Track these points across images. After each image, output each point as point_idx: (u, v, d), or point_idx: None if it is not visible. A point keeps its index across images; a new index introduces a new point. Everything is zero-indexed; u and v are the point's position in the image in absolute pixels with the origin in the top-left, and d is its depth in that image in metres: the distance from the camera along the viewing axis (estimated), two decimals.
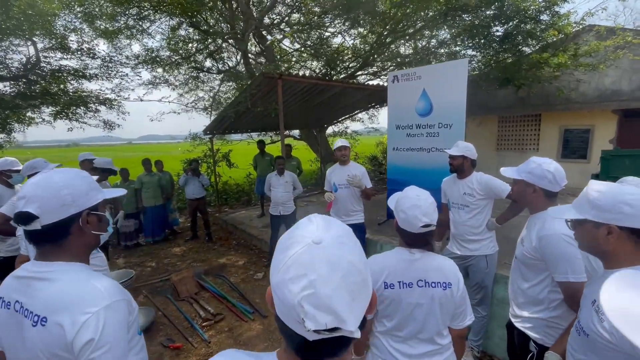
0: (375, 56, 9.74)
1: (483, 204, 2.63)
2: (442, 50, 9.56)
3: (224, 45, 6.96)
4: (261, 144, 7.11)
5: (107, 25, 8.30)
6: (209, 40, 6.33)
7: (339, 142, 3.49)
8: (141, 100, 8.78)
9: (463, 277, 1.37)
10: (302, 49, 9.92)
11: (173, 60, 7.63)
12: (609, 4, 7.22)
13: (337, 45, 10.31)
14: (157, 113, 8.75)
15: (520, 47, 7.51)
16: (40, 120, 8.50)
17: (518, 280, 1.65)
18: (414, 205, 1.30)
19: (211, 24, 5.98)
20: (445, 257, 1.40)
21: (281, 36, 7.81)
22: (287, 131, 12.22)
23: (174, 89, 8.08)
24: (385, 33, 8.56)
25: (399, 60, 10.03)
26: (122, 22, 8.41)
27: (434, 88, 3.67)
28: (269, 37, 7.74)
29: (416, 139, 3.91)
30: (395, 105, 4.07)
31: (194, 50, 6.59)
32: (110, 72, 8.83)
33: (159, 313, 3.61)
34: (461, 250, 2.69)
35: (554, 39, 7.34)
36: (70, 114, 8.55)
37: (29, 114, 8.54)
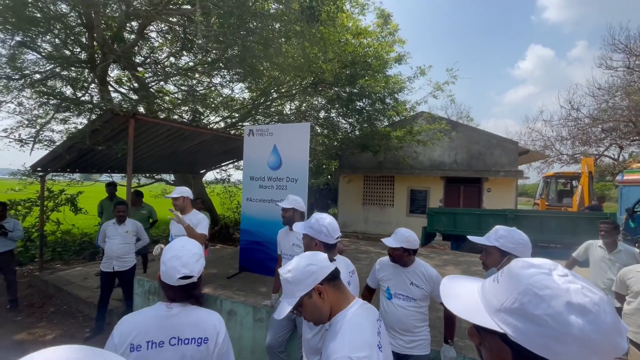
0: (259, 110, 10.26)
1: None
2: (318, 114, 10.79)
3: (77, 74, 6.10)
4: (112, 186, 6.17)
5: None
6: (48, 66, 5.45)
7: (173, 192, 3.30)
8: None
9: None
10: (180, 92, 9.67)
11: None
12: (441, 100, 9.75)
13: (219, 95, 10.50)
14: None
15: (372, 121, 9.12)
16: None
17: None
18: (174, 256, 1.26)
19: (58, 47, 5.21)
20: (210, 311, 1.35)
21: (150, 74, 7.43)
22: (159, 175, 11.18)
23: None
24: (272, 91, 9.22)
25: (278, 117, 10.79)
26: None
27: (284, 145, 3.97)
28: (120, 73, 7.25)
29: (267, 191, 4.05)
30: (250, 157, 4.20)
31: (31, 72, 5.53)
32: None
33: None
34: None
35: (396, 118, 9.27)
36: None
37: None
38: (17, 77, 5.16)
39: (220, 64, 7.88)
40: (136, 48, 6.09)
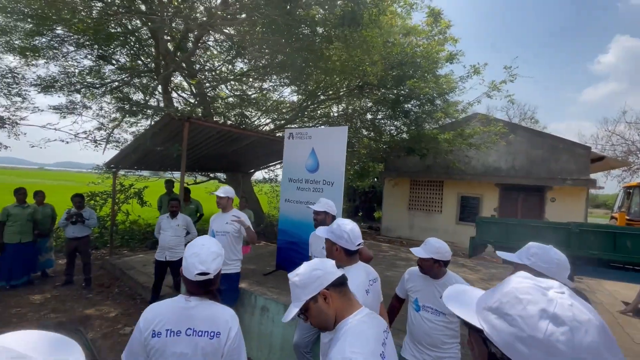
0: (306, 112, 10.51)
1: None
2: (364, 116, 10.72)
3: (144, 81, 6.90)
4: (169, 183, 6.80)
5: (23, 42, 7.66)
6: (123, 75, 6.23)
7: (219, 191, 3.52)
8: (43, 126, 7.94)
9: None
10: (233, 97, 10.31)
11: (91, 86, 7.25)
12: (501, 101, 9.05)
13: (269, 98, 10.99)
14: (40, 140, 7.95)
15: (420, 123, 8.77)
16: None
17: None
18: (194, 253, 1.37)
19: (128, 58, 5.95)
20: (224, 307, 1.43)
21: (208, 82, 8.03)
22: (213, 173, 12.04)
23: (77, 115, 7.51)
24: (319, 94, 9.41)
25: (324, 120, 10.94)
26: (39, 41, 7.87)
27: (321, 148, 4.02)
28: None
29: (304, 193, 4.14)
30: (289, 159, 4.33)
31: (107, 81, 6.41)
32: (10, 89, 7.97)
33: None
34: None
35: (446, 121, 8.81)
36: None
37: None
38: (97, 85, 5.96)
39: (269, 69, 8.25)
40: (195, 57, 6.64)
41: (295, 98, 11.52)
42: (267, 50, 6.18)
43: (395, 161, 12.10)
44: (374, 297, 1.77)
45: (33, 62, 8.09)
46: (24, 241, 5.21)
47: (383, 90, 8.18)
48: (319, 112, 11.28)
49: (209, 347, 1.30)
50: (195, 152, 6.75)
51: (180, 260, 4.49)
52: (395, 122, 9.39)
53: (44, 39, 7.74)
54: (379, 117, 10.06)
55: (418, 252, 2.14)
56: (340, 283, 1.21)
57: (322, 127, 6.55)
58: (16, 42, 7.77)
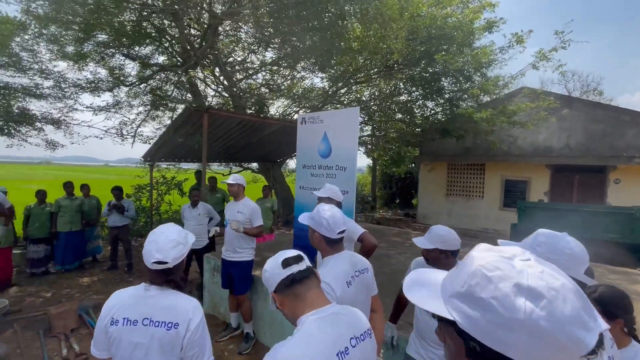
0: (336, 98, 10.28)
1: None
2: (396, 98, 10.21)
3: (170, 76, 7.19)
4: (199, 174, 7.05)
5: (73, 48, 8.36)
6: (149, 72, 6.54)
7: (229, 179, 3.52)
8: (89, 126, 8.69)
9: None
10: (265, 86, 10.39)
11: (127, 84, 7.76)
12: (553, 73, 8.06)
13: (300, 86, 10.90)
14: (80, 136, 8.67)
15: (454, 102, 8.11)
16: None
17: None
18: (152, 240, 1.32)
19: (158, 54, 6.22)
20: (188, 298, 1.37)
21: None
22: (246, 164, 12.37)
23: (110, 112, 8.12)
24: (347, 76, 9.13)
25: (355, 104, 10.60)
26: (87, 47, 8.52)
27: (333, 132, 3.84)
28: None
29: (318, 179, 4.00)
30: (302, 145, 4.21)
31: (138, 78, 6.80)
32: (63, 92, 8.78)
33: (18, 350, 3.28)
34: None
35: (485, 98, 8.02)
36: (13, 130, 8.33)
37: None
38: (129, 83, 6.31)
39: (288, 52, 8.08)
40: (220, 48, 6.73)
41: (324, 85, 11.32)
42: (279, 33, 6.03)
43: (430, 145, 11.44)
44: (358, 289, 1.61)
45: (82, 67, 8.83)
46: (74, 230, 5.75)
47: (412, 69, 7.65)
48: (350, 96, 10.99)
49: (166, 338, 1.26)
50: (221, 143, 6.91)
51: (204, 248, 4.66)
52: (428, 103, 8.79)
53: (90, 45, 8.38)
54: (408, 98, 9.49)
55: (421, 242, 1.92)
56: (290, 283, 1.08)
57: (334, 110, 6.26)
58: (68, 49, 8.48)
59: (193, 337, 1.29)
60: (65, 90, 8.71)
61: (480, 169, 10.74)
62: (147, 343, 1.25)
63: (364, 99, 11.35)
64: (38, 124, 8.65)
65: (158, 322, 1.26)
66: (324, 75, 10.30)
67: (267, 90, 10.67)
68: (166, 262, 1.29)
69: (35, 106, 8.60)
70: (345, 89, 10.50)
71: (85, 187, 6.22)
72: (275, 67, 9.83)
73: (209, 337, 1.36)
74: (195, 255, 4.77)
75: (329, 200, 2.77)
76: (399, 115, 10.61)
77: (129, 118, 6.57)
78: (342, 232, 1.64)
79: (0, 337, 3.51)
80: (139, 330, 1.26)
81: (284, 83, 11.07)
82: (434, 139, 9.86)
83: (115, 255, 6.09)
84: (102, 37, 8.00)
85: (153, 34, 7.70)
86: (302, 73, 10.50)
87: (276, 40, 7.73)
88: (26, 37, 7.70)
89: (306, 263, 1.14)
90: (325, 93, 9.95)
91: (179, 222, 10.84)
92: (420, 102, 9.41)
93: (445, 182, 11.56)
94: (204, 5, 5.53)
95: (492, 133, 8.61)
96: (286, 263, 1.10)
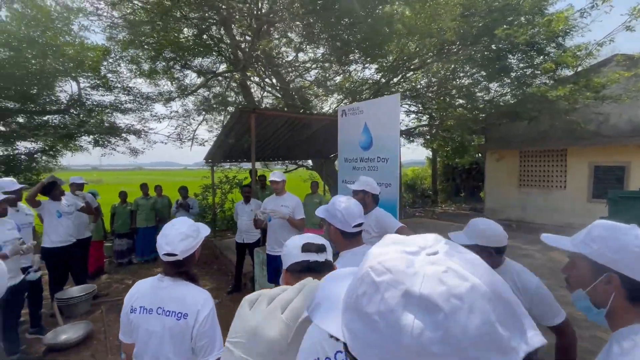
0: (389, 88, 9.89)
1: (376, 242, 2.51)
2: (456, 82, 9.43)
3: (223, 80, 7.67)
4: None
5: (149, 66, 9.47)
6: (203, 79, 7.05)
7: (272, 176, 3.61)
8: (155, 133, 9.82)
9: None
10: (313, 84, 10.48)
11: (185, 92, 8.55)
12: None
13: (352, 80, 10.74)
14: (150, 142, 9.69)
15: (524, 80, 7.13)
16: (80, 147, 9.79)
17: None
18: (163, 234, 1.37)
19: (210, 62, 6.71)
20: (199, 289, 1.40)
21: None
22: (300, 161, 12.67)
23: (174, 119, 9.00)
24: (399, 63, 8.74)
25: (408, 93, 10.07)
26: (159, 65, 9.58)
27: (374, 122, 3.66)
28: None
29: (360, 172, 3.86)
30: (344, 138, 4.10)
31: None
32: (141, 106, 10.01)
33: (102, 329, 3.81)
34: None
35: (564, 72, 6.88)
36: (105, 142, 9.78)
37: (75, 142, 9.88)
38: (188, 92, 6.90)
39: (337, 44, 7.96)
40: (267, 50, 6.96)
41: (377, 76, 10.97)
42: (326, 28, 5.97)
43: (497, 131, 10.30)
44: None
45: (155, 82, 9.96)
46: (149, 226, 6.51)
47: (470, 48, 6.93)
48: (404, 85, 10.48)
49: (176, 328, 1.30)
50: (272, 142, 7.14)
51: (256, 242, 4.86)
52: (491, 84, 7.88)
53: (160, 63, 9.41)
54: (472, 81, 8.64)
55: (458, 237, 1.69)
56: (302, 269, 1.04)
57: (374, 99, 5.92)
58: (144, 67, 9.62)
59: (202, 329, 1.31)
60: (142, 103, 9.93)
61: (560, 155, 9.31)
62: (160, 332, 1.31)
63: (419, 86, 10.72)
64: (124, 135, 10.02)
65: (169, 312, 1.31)
66: (375, 66, 9.99)
67: (318, 87, 10.74)
68: (175, 255, 1.33)
69: (120, 119, 9.99)
70: (398, 77, 10.03)
71: (158, 188, 6.98)
72: (327, 64, 9.82)
73: (219, 329, 1.37)
74: (249, 249, 5.01)
75: (364, 193, 2.65)
76: (460, 101, 9.76)
77: (186, 123, 7.29)
78: (359, 225, 1.52)
79: (89, 317, 4.13)
80: (153, 318, 1.32)
81: (335, 78, 11.02)
82: (501, 123, 8.84)
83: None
84: (169, 54, 8.93)
85: (210, 44, 8.34)
86: (353, 66, 10.32)
87: (323, 35, 7.72)
88: (110, 60, 8.93)
89: (326, 256, 1.08)
90: (376, 84, 9.63)
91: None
92: (483, 84, 8.51)
93: (517, 172, 10.31)
94: (245, 8, 5.77)
95: (574, 112, 7.38)
96: (306, 248, 1.06)
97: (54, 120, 9.15)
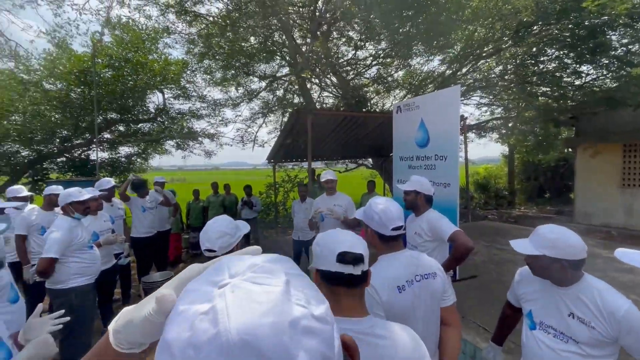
0: (458, 78, 9.20)
1: (431, 247, 2.33)
2: (535, 68, 8.35)
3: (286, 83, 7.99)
4: (311, 172, 7.57)
5: (220, 75, 10.38)
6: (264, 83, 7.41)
7: (325, 175, 3.62)
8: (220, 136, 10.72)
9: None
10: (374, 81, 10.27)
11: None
12: None
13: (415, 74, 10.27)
14: (217, 145, 10.47)
15: (628, 59, 5.94)
16: (165, 150, 11.19)
17: None
18: (204, 230, 1.49)
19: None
20: None
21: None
22: (362, 159, 12.53)
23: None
24: (469, 51, 8.09)
25: (477, 84, 9.22)
26: (229, 73, 10.43)
27: (431, 118, 3.41)
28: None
29: (416, 172, 3.65)
30: (399, 135, 3.92)
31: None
32: (213, 111, 11.02)
33: None
34: None
35: None
36: (184, 145, 11.01)
37: (162, 146, 11.35)
38: (252, 96, 7.36)
39: (400, 37, 7.65)
40: (324, 49, 7.05)
41: (443, 68, 10.28)
42: (388, 22, 5.79)
43: (592, 121, 8.77)
44: (418, 297, 1.35)
45: (225, 89, 10.86)
46: None
47: (552, 26, 6.02)
48: (474, 75, 9.64)
49: None
50: (330, 141, 7.18)
51: (311, 240, 4.97)
52: (583, 67, 6.73)
53: (230, 72, 10.23)
54: (555, 64, 7.51)
55: (522, 246, 1.46)
56: (333, 280, 0.97)
57: (431, 92, 5.36)
58: (216, 76, 10.56)
59: None
60: (214, 109, 10.92)
61: None
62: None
63: (492, 75, 9.72)
64: (199, 138, 11.15)
65: None
66: (439, 57, 9.36)
67: (378, 84, 10.49)
68: (214, 251, 1.41)
69: (196, 124, 11.19)
70: (467, 67, 9.24)
71: (227, 186, 7.59)
72: (388, 60, 9.54)
73: None
74: (304, 247, 5.13)
75: (415, 194, 2.49)
76: (542, 89, 8.57)
77: (246, 125, 7.85)
78: (398, 228, 1.42)
79: None
80: None
81: (397, 74, 10.64)
82: (596, 112, 7.52)
83: (247, 243, 7.20)
84: (237, 63, 9.64)
85: (273, 50, 8.79)
86: (416, 59, 9.84)
87: (383, 31, 7.49)
88: (188, 72, 10.01)
89: (362, 268, 0.98)
90: (440, 76, 9.02)
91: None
92: (572, 67, 7.33)
93: (619, 170, 8.65)
94: (304, 10, 5.90)
95: None
96: (342, 259, 0.96)
97: (145, 128, 10.62)
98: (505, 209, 12.72)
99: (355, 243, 0.99)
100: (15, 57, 8.24)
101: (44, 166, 9.38)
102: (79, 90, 8.49)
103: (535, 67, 8.47)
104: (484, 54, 8.92)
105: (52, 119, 8.67)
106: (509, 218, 10.77)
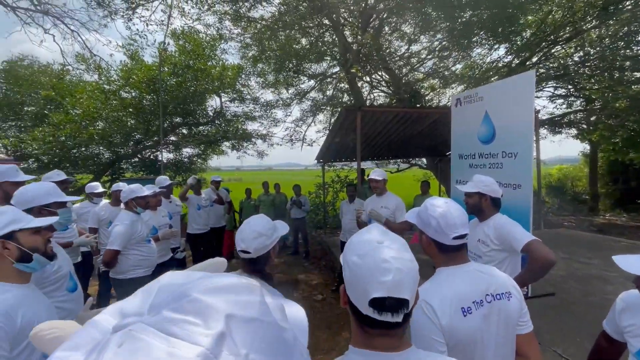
0: (528, 66, 8.25)
1: (499, 258, 1.99)
2: (627, 52, 7.14)
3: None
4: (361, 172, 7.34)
5: (273, 77, 10.68)
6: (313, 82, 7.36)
7: (372, 174, 3.42)
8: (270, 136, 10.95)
9: None
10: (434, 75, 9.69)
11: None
12: None
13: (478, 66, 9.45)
14: (269, 145, 10.63)
15: None
16: (222, 151, 11.84)
17: None
18: (240, 230, 1.39)
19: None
20: (272, 290, 1.34)
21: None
22: (415, 159, 11.91)
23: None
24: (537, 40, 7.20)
25: (552, 73, 8.14)
26: (281, 76, 10.69)
27: (497, 110, 2.99)
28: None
29: (478, 171, 3.24)
30: (458, 131, 3.54)
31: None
32: (265, 112, 11.39)
33: None
34: None
35: None
36: (239, 146, 11.54)
37: (219, 147, 12.04)
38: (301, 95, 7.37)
39: (459, 27, 7.06)
40: (375, 45, 6.80)
41: (509, 58, 9.30)
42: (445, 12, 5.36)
43: None
44: (488, 322, 1.10)
45: (277, 91, 11.15)
46: None
47: None
48: (547, 64, 8.57)
49: None
50: (381, 140, 6.89)
51: None
52: None
53: (282, 74, 10.47)
54: None
55: (627, 264, 1.13)
56: (366, 323, 0.72)
57: (497, 81, 4.59)
58: (269, 78, 10.88)
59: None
60: (266, 110, 11.27)
61: None
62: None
63: (570, 63, 8.53)
64: (253, 139, 11.60)
65: None
66: (505, 45, 8.46)
67: (434, 79, 9.88)
68: (249, 252, 1.31)
69: (249, 126, 11.67)
70: (539, 55, 8.22)
71: (277, 186, 7.72)
72: (445, 52, 8.92)
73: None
74: None
75: (479, 196, 2.17)
76: (636, 75, 7.27)
77: (295, 124, 7.90)
78: (461, 237, 1.17)
79: None
80: None
81: (455, 67, 9.90)
82: None
83: (296, 243, 7.22)
84: (289, 64, 9.81)
85: (324, 50, 8.77)
86: (477, 50, 9.03)
87: (440, 22, 7.00)
88: (242, 76, 10.46)
89: (404, 312, 0.70)
90: (506, 66, 8.15)
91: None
92: None
93: None
94: (354, 7, 5.72)
95: None
96: (379, 304, 0.69)
97: (204, 130, 11.35)
98: (586, 215, 11.08)
99: (399, 280, 0.69)
100: (98, 70, 9.36)
101: (121, 166, 10.53)
102: (149, 97, 9.37)
103: (628, 50, 7.21)
104: (559, 39, 7.85)
105: (128, 123, 9.68)
106: (591, 226, 9.34)
